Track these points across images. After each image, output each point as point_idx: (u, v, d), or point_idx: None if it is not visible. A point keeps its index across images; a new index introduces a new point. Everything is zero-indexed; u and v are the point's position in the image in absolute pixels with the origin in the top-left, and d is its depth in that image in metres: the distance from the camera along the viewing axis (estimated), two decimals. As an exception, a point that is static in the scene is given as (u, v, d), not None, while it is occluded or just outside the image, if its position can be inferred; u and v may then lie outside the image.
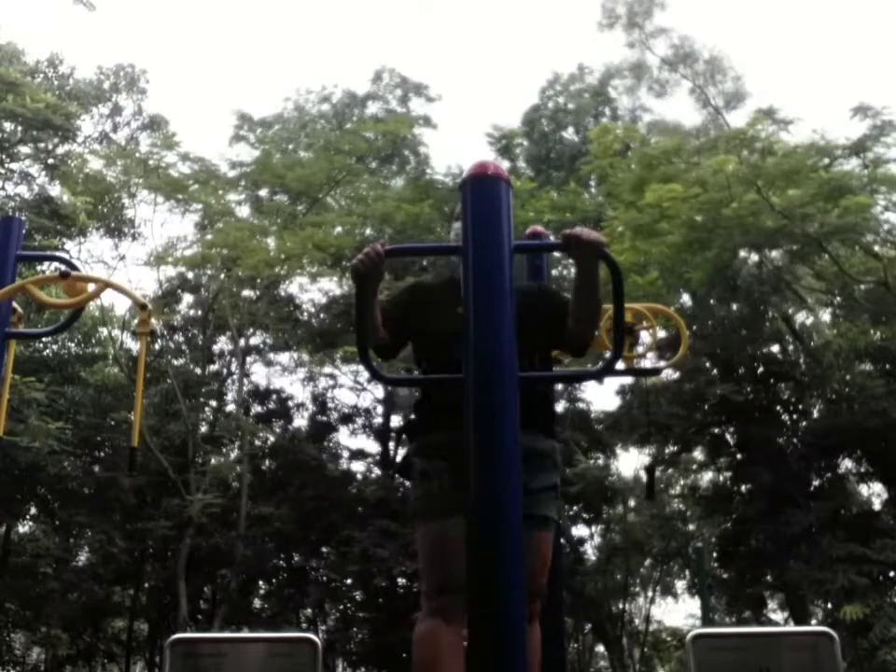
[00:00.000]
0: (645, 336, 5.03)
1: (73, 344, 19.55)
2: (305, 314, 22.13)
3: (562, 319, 2.88)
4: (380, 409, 22.26)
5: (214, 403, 21.39)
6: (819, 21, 45.37)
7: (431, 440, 2.95)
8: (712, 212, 14.32)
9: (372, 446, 22.34)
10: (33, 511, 19.80)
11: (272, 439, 21.84)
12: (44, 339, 16.79)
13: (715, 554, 19.34)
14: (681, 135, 18.36)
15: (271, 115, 23.39)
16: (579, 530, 22.19)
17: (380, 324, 2.93)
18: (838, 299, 17.87)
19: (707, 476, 21.59)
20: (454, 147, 45.92)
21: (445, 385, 2.85)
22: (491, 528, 1.91)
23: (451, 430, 2.82)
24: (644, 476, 20.84)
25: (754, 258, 17.63)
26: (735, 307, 18.92)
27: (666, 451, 20.24)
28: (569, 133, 24.07)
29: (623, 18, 21.73)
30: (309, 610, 21.18)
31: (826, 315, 19.83)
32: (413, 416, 3.19)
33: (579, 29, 50.12)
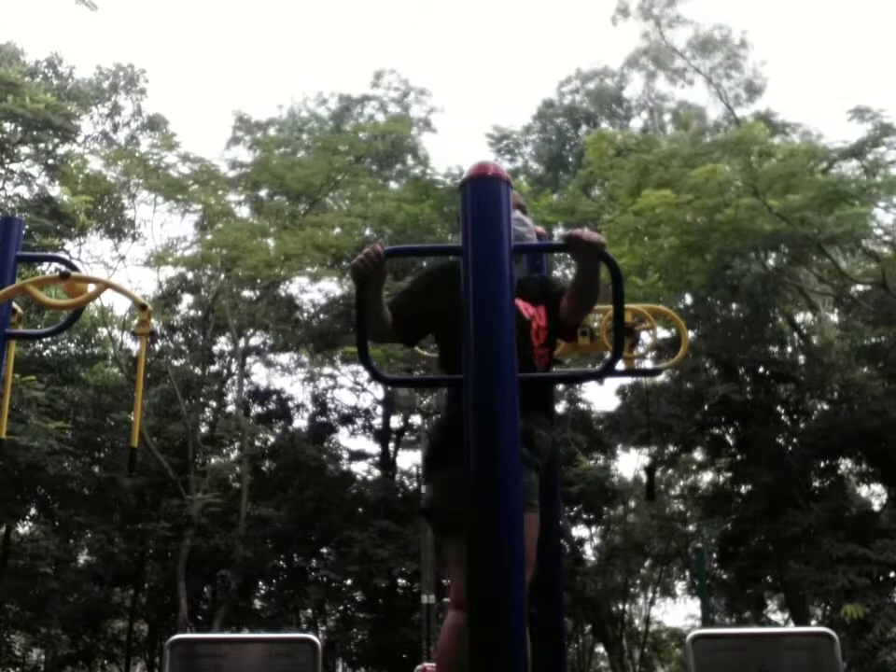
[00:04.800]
0: (645, 336, 5.03)
1: (72, 345, 19.54)
2: (305, 314, 22.14)
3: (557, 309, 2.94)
4: (380, 410, 22.27)
5: (214, 404, 21.40)
6: (821, 22, 45.40)
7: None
8: (707, 216, 14.32)
9: (372, 447, 22.36)
10: (32, 511, 19.79)
11: (272, 439, 21.84)
12: (44, 339, 16.78)
13: (715, 555, 19.35)
14: (700, 124, 18.35)
15: (269, 118, 23.41)
16: (579, 531, 22.21)
17: (389, 319, 2.93)
18: (832, 300, 17.91)
19: (707, 476, 21.61)
20: (454, 148, 45.98)
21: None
22: (492, 527, 1.92)
23: None
24: (644, 476, 20.86)
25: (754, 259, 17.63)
26: (735, 308, 18.94)
27: (666, 451, 20.25)
28: (583, 132, 24.00)
29: (638, 9, 21.66)
30: (309, 611, 21.18)
31: (834, 316, 19.83)
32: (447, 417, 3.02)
33: (581, 28, 50.11)
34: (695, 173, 14.10)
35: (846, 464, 18.36)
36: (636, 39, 25.78)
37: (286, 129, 22.88)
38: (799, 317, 20.27)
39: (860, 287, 16.93)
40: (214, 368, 21.35)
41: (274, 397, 22.27)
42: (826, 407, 18.38)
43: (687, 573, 22.43)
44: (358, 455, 22.08)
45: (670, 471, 21.98)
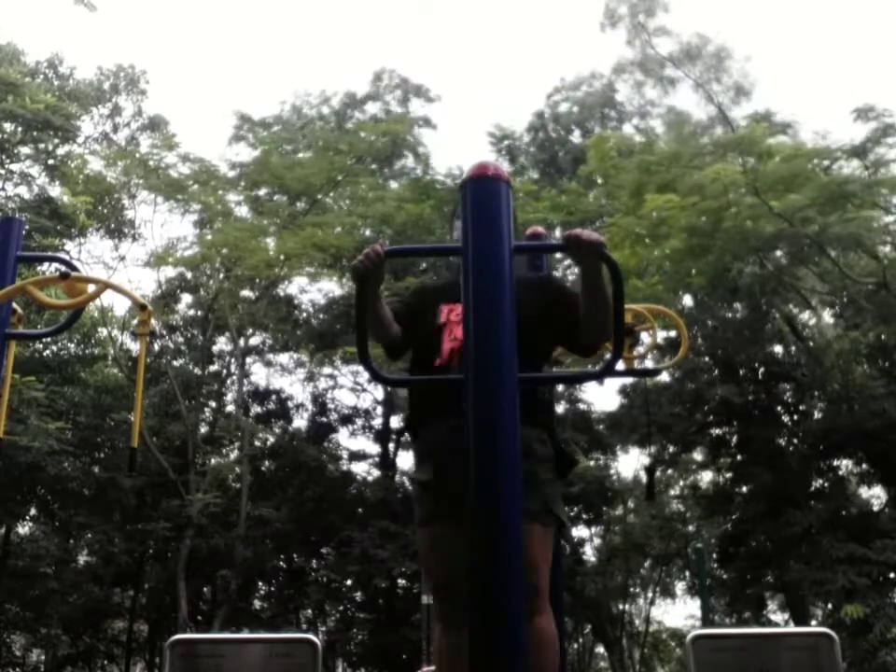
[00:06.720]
0: (645, 337, 5.02)
1: (72, 345, 19.55)
2: (305, 314, 22.15)
3: (573, 318, 2.86)
4: (379, 410, 22.28)
5: (213, 404, 21.40)
6: (821, 21, 45.41)
7: (422, 438, 2.96)
8: (712, 217, 14.31)
9: (372, 447, 22.37)
10: (32, 511, 19.80)
11: (271, 439, 21.84)
12: (44, 339, 16.78)
13: (715, 555, 19.36)
14: (689, 128, 18.33)
15: (270, 116, 23.42)
16: (579, 531, 22.21)
17: (391, 322, 2.96)
18: (836, 300, 17.91)
19: (708, 476, 21.62)
20: (454, 149, 45.89)
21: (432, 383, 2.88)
22: (491, 528, 1.91)
23: (434, 424, 2.85)
24: (644, 476, 20.87)
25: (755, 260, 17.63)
26: (736, 307, 18.95)
27: (666, 451, 20.25)
28: (576, 137, 24.04)
29: (626, 17, 21.71)
30: (309, 611, 21.18)
31: (828, 317, 19.83)
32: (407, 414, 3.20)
33: (581, 27, 50.10)
34: (703, 174, 14.07)
35: (846, 464, 18.37)
36: (623, 46, 25.88)
37: (287, 128, 22.86)
38: (802, 317, 20.26)
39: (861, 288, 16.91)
40: (213, 368, 21.34)
41: (274, 397, 22.28)
42: (826, 407, 18.38)
43: (687, 573, 22.45)
44: (358, 456, 22.09)
45: (670, 471, 21.98)
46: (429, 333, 2.95)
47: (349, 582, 19.95)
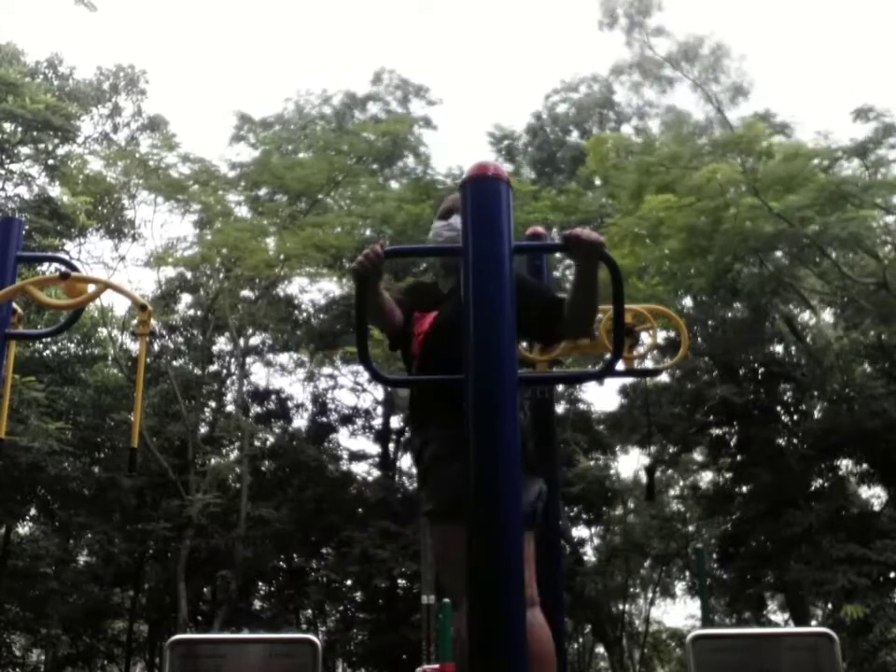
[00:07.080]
0: (645, 337, 5.03)
1: (72, 345, 19.55)
2: (305, 314, 22.16)
3: (547, 314, 2.84)
4: (380, 410, 22.28)
5: (213, 404, 21.40)
6: (821, 21, 45.40)
7: (422, 438, 2.93)
8: (710, 218, 14.31)
9: (372, 447, 22.37)
10: (32, 511, 19.80)
11: (271, 439, 21.84)
12: (44, 339, 16.77)
13: (715, 555, 19.36)
14: (688, 128, 18.31)
15: (271, 116, 23.42)
16: (579, 531, 22.21)
17: (392, 308, 2.94)
18: (836, 300, 17.91)
19: (708, 476, 21.61)
20: (454, 148, 45.88)
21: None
22: (491, 528, 1.92)
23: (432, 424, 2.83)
24: (644, 477, 20.86)
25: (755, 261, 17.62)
26: (736, 307, 18.94)
27: (667, 451, 20.25)
28: (573, 137, 24.04)
29: (623, 18, 21.72)
30: (309, 611, 21.18)
31: (828, 316, 19.82)
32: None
33: (581, 27, 50.11)
34: (698, 174, 14.05)
35: (846, 464, 18.37)
36: (621, 47, 25.86)
37: (288, 128, 22.86)
38: (802, 317, 20.26)
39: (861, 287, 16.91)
40: (213, 368, 21.35)
41: (274, 397, 22.28)
42: (826, 407, 18.38)
43: (687, 573, 22.42)
44: (358, 456, 22.09)
45: (670, 471, 21.98)
46: (411, 337, 3.00)
47: (349, 582, 19.95)
